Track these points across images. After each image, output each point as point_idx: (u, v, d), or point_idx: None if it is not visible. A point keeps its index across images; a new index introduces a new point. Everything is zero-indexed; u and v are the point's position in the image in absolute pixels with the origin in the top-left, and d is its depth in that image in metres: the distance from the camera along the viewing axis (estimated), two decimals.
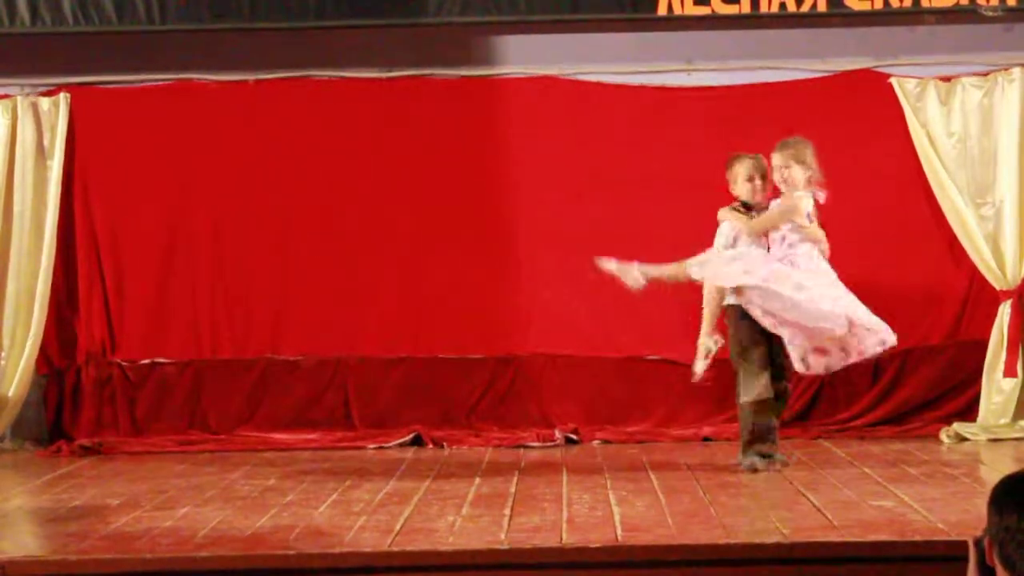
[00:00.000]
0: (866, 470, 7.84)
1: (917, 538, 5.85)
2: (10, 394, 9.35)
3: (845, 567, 5.68)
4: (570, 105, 9.41)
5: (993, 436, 8.99)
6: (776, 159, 7.97)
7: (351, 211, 9.43)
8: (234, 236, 9.46)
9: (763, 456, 7.83)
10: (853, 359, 7.78)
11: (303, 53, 9.40)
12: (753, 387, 7.85)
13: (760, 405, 7.84)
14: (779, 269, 7.79)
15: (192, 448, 9.24)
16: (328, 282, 9.44)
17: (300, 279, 9.45)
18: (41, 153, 9.41)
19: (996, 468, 7.85)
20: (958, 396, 9.28)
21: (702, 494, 7.09)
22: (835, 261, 9.02)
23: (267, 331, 9.48)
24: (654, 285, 8.82)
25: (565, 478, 7.75)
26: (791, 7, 9.10)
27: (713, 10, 9.11)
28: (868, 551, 5.75)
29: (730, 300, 7.93)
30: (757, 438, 7.85)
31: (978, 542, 3.01)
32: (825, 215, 9.24)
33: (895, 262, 9.15)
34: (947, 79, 9.30)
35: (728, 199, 8.05)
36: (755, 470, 7.75)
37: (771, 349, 7.87)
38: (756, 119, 9.28)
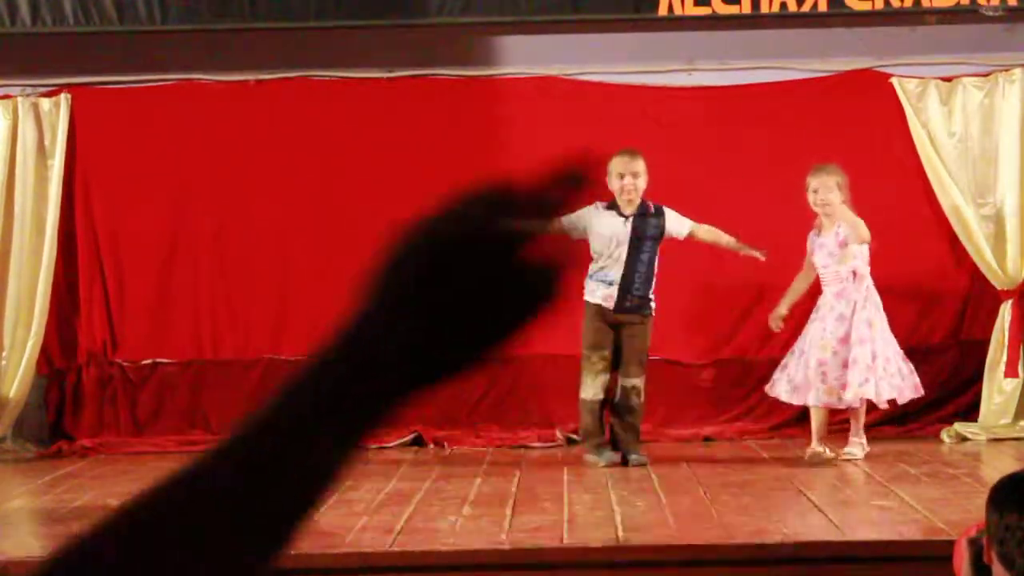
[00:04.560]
0: (867, 470, 7.85)
1: (918, 538, 5.86)
2: (11, 395, 9.34)
3: (846, 567, 5.68)
4: (571, 105, 9.40)
5: (994, 436, 8.99)
6: (813, 182, 8.18)
7: (352, 211, 9.42)
8: (235, 236, 9.46)
9: (597, 450, 8.20)
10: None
11: (303, 53, 9.39)
12: (587, 386, 8.20)
13: (592, 405, 8.21)
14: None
15: (193, 448, 9.23)
16: (329, 282, 9.43)
17: (301, 279, 9.45)
18: (42, 153, 9.41)
19: (997, 468, 7.85)
20: (959, 396, 9.27)
21: (703, 494, 7.09)
22: None
23: (268, 331, 9.48)
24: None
25: (566, 478, 7.75)
26: (792, 7, 9.10)
27: (714, 10, 9.11)
28: (869, 551, 5.75)
29: (588, 297, 8.15)
30: (590, 435, 8.26)
31: (974, 541, 3.01)
32: None
33: (896, 262, 9.13)
34: (948, 79, 9.30)
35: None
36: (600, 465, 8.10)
37: (621, 353, 8.21)
38: (757, 119, 9.29)
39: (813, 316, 8.36)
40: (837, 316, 8.22)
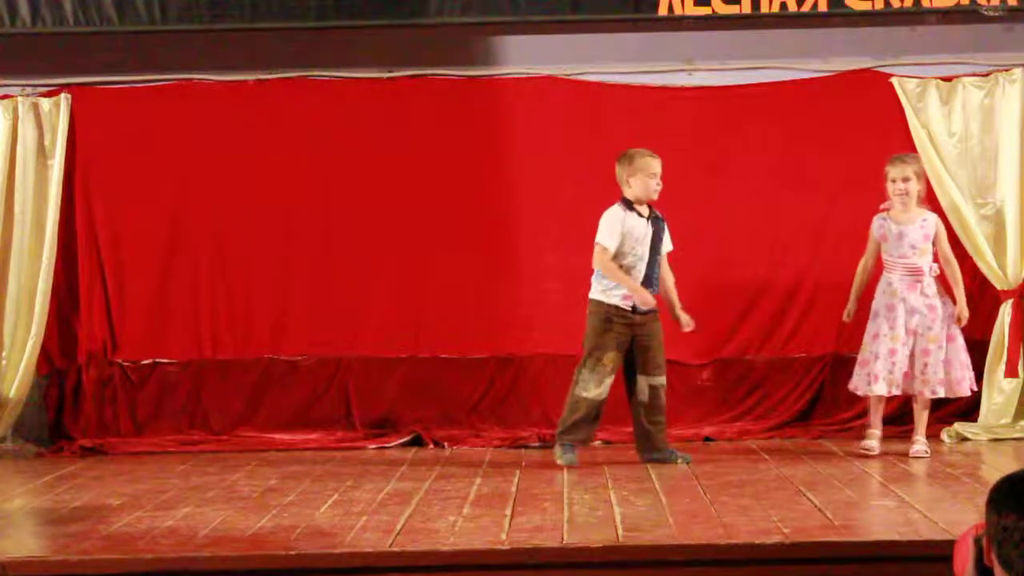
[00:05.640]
0: (867, 469, 7.85)
1: (918, 538, 5.86)
2: (11, 394, 9.35)
3: (846, 567, 5.67)
4: (570, 105, 9.41)
5: (994, 436, 9.00)
6: (896, 171, 8.41)
7: (352, 211, 9.43)
8: (235, 236, 9.46)
9: (567, 445, 8.15)
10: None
11: (303, 53, 9.40)
12: (592, 386, 8.09)
13: (593, 404, 8.10)
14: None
15: (193, 448, 9.24)
16: (329, 282, 9.44)
17: (301, 279, 9.46)
18: (42, 153, 9.42)
19: (997, 468, 7.86)
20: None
21: (703, 494, 7.09)
22: (838, 261, 9.03)
23: (268, 331, 9.48)
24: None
25: (566, 478, 7.75)
26: (791, 7, 9.10)
27: (714, 10, 9.12)
28: (869, 551, 5.75)
29: (605, 299, 8.11)
30: (570, 430, 8.16)
31: (977, 540, 3.01)
32: (827, 215, 9.26)
33: None
34: (948, 79, 9.30)
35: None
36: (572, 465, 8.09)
37: (644, 353, 8.16)
38: (757, 119, 9.29)
39: (877, 307, 8.38)
40: (909, 308, 8.31)
